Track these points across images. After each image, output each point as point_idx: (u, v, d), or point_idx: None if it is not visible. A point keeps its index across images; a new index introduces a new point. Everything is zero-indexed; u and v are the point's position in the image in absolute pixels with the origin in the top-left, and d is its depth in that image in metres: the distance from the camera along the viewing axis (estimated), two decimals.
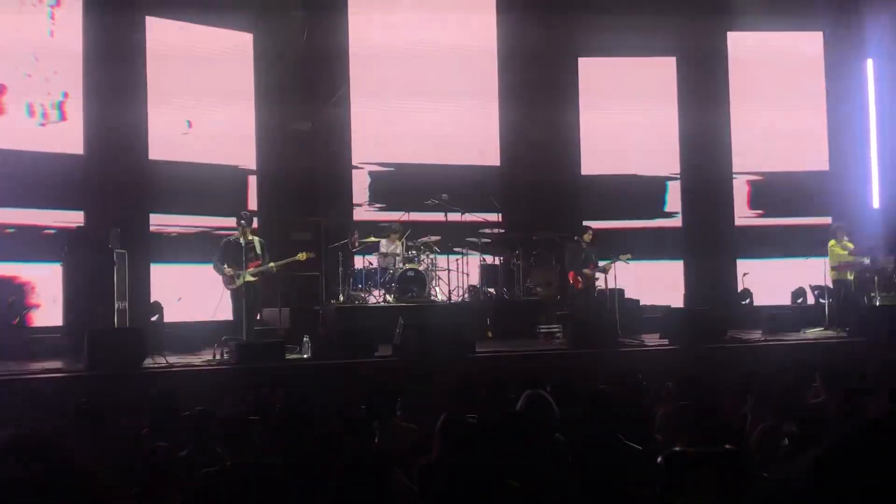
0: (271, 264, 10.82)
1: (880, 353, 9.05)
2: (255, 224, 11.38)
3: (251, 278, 10.61)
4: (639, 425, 4.70)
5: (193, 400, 6.00)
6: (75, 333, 10.32)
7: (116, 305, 10.97)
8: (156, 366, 9.41)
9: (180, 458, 4.62)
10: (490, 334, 12.74)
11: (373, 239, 13.57)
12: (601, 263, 12.46)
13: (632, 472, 3.69)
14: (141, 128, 12.96)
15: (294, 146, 14.32)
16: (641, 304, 13.83)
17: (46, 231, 12.23)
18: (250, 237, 10.81)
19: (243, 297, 10.59)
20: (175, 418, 5.33)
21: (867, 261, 12.50)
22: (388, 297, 12.71)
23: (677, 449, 3.68)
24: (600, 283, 12.46)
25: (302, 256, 11.06)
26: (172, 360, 9.66)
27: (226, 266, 10.61)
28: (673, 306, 13.53)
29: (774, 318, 12.75)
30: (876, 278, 12.58)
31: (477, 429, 4.81)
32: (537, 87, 15.33)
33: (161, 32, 13.34)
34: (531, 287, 13.64)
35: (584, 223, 13.41)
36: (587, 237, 12.67)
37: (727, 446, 3.72)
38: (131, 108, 12.84)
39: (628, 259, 12.47)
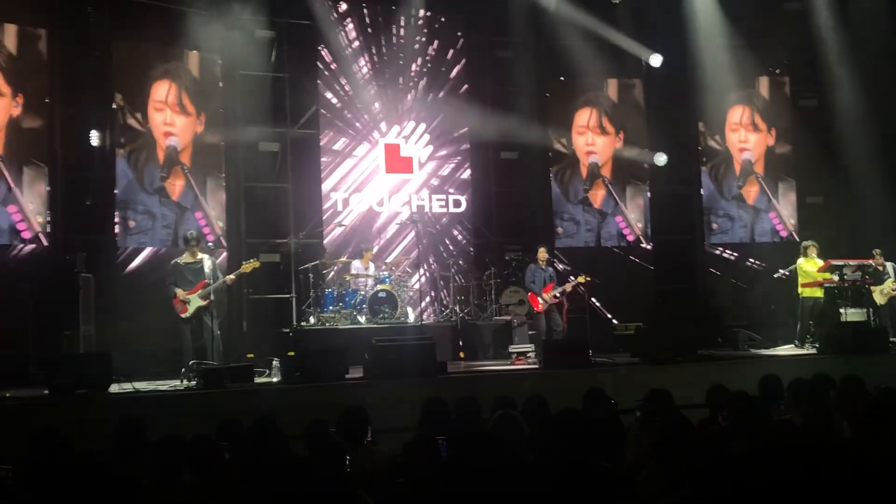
0: (230, 276, 10.65)
1: (848, 369, 9.07)
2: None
3: (202, 302, 10.33)
4: (610, 443, 4.67)
5: (160, 426, 5.89)
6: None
7: (82, 330, 10.82)
8: (122, 391, 9.27)
9: (146, 485, 4.52)
10: (462, 354, 12.71)
11: (344, 259, 13.50)
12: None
13: (603, 491, 3.66)
14: None
15: None
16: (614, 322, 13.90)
17: None
18: (198, 256, 10.53)
19: (189, 325, 10.31)
20: (141, 445, 5.22)
21: (836, 277, 12.58)
22: (360, 318, 12.63)
23: None
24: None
25: (248, 267, 10.75)
26: (139, 385, 9.51)
27: (178, 290, 10.34)
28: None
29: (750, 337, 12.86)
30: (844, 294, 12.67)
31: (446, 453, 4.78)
32: None
33: None
34: (503, 306, 13.62)
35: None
36: (541, 257, 12.68)
37: None
38: None
39: (587, 280, 12.49)
